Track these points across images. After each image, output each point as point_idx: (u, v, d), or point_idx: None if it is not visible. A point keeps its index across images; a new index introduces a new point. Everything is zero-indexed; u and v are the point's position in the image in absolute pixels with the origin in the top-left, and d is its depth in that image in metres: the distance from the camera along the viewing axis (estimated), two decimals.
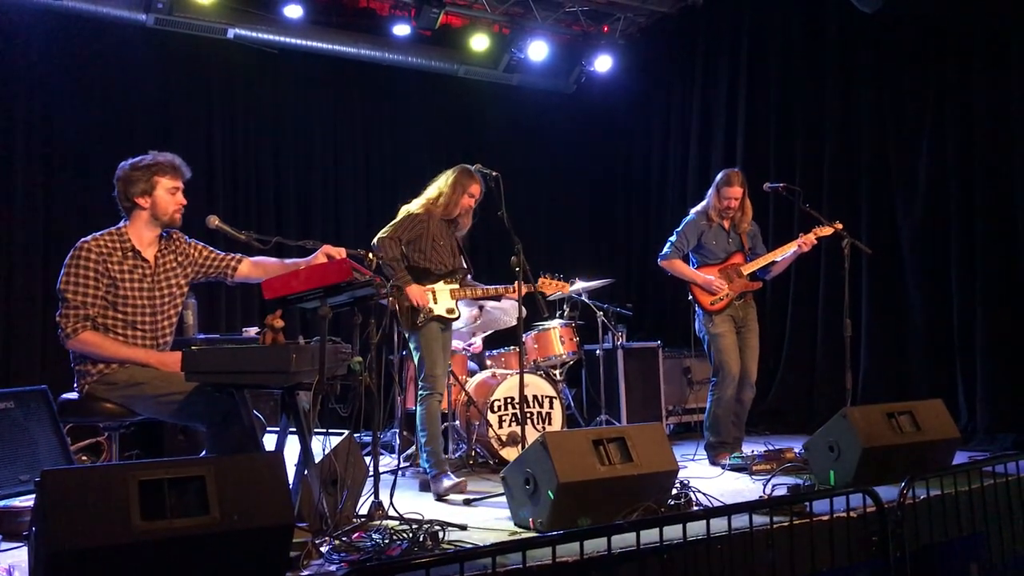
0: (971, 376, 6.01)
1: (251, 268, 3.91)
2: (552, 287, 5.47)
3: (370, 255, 4.03)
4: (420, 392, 4.76)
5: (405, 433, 5.91)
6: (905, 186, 6.48)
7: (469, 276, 5.13)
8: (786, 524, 3.33)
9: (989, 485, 3.97)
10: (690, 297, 5.52)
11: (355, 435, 3.98)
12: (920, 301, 6.36)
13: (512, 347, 6.25)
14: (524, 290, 4.67)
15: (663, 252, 5.57)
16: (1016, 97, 5.86)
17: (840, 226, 5.44)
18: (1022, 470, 4.14)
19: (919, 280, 6.37)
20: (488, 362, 6.29)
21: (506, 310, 6.02)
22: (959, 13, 6.11)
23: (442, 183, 4.92)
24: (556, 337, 6.15)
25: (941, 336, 6.22)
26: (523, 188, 7.75)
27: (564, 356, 6.16)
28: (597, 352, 6.83)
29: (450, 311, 4.86)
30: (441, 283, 4.87)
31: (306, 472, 3.38)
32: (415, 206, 4.91)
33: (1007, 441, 5.62)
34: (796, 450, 4.94)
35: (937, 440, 4.44)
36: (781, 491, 4.01)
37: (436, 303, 4.81)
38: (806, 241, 5.40)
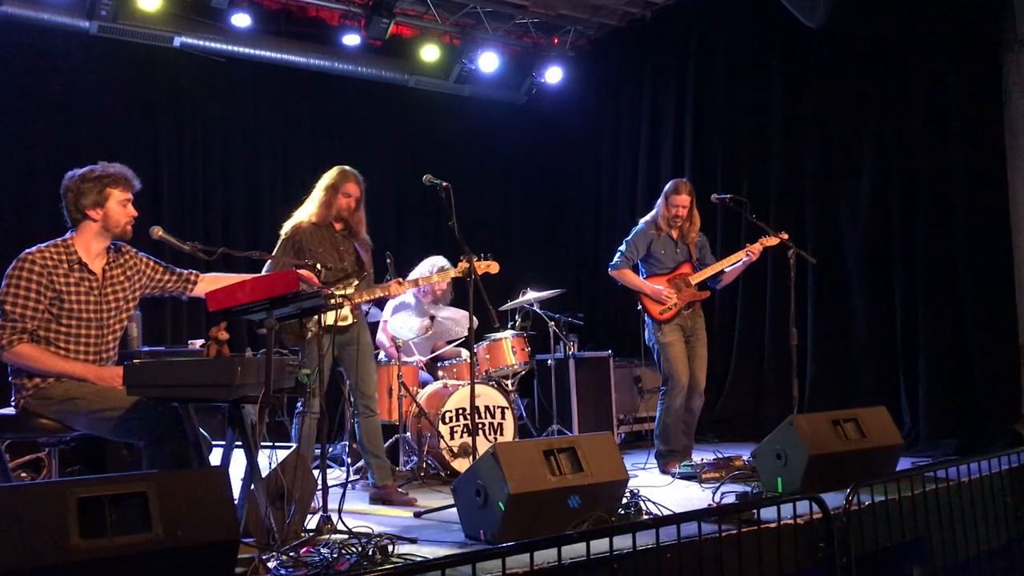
0: (914, 383, 6.13)
1: (208, 285, 3.85)
2: (482, 268, 5.10)
3: (318, 265, 3.99)
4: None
5: (354, 446, 5.85)
6: (849, 197, 6.61)
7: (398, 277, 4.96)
8: (734, 532, 3.36)
9: (931, 490, 4.05)
10: (639, 307, 5.55)
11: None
12: (864, 310, 6.48)
13: (464, 358, 6.23)
14: (452, 278, 4.70)
15: (613, 262, 5.60)
16: (952, 112, 6.01)
17: (786, 236, 5.52)
18: (963, 475, 4.24)
19: (863, 289, 6.49)
20: (440, 373, 6.26)
21: (457, 320, 6.01)
22: (898, 30, 6.23)
23: (316, 189, 4.86)
24: (508, 347, 6.14)
25: (885, 344, 6.34)
26: (474, 199, 7.74)
27: (516, 366, 6.15)
28: (549, 362, 6.84)
29: (343, 318, 4.63)
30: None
31: (253, 487, 3.33)
32: (284, 228, 4.81)
33: (949, 447, 5.74)
34: (745, 458, 4.99)
35: (881, 447, 4.52)
36: (730, 499, 4.05)
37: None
38: (753, 250, 5.48)
